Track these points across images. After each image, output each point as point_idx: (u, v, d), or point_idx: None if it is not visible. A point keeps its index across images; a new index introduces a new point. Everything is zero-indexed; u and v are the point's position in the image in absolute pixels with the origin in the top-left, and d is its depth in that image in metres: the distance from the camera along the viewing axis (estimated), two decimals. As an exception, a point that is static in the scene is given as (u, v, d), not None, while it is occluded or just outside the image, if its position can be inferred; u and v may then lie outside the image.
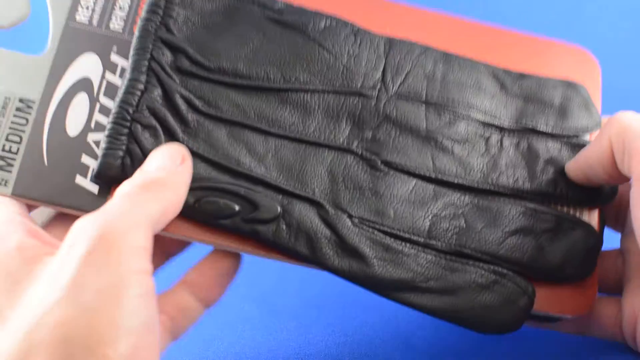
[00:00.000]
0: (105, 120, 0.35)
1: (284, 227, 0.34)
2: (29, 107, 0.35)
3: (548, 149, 0.38)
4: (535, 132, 0.38)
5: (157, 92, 0.35)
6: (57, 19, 0.37)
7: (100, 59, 0.36)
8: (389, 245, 0.35)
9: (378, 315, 0.43)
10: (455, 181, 0.36)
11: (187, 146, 0.34)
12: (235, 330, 0.43)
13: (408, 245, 0.35)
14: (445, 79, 0.38)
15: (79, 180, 0.34)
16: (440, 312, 0.34)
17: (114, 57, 0.36)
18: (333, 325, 0.43)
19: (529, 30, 0.41)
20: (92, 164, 0.34)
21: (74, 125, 0.35)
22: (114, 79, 0.36)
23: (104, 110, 0.35)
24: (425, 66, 0.38)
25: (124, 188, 0.31)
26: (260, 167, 0.35)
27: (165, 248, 0.36)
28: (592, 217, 0.37)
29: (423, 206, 0.36)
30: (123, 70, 0.36)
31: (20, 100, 0.35)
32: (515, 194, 0.37)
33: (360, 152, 0.36)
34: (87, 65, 0.36)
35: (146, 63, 0.35)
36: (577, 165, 0.36)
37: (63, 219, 0.35)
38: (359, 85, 0.37)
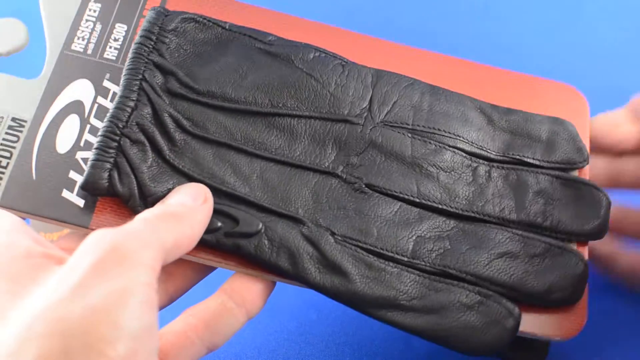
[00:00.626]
0: (95, 140, 0.36)
1: (266, 242, 0.34)
2: (21, 125, 0.36)
3: (539, 181, 0.37)
4: (524, 164, 0.38)
5: (147, 110, 0.36)
6: (54, 47, 0.38)
7: (93, 84, 0.37)
8: (371, 263, 0.34)
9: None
10: (440, 207, 0.36)
11: (173, 163, 0.35)
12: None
13: (391, 263, 0.35)
14: (432, 110, 0.38)
15: (66, 194, 0.35)
16: (423, 331, 0.33)
17: (107, 83, 0.37)
18: (333, 325, 0.43)
19: (518, 68, 0.42)
20: (79, 179, 0.35)
21: (63, 143, 0.36)
22: (105, 102, 0.37)
23: (94, 131, 0.36)
24: (412, 97, 0.39)
25: (143, 214, 0.31)
26: (245, 187, 0.35)
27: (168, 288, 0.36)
28: (582, 250, 0.37)
29: (407, 227, 0.36)
30: (114, 95, 0.37)
31: (13, 119, 0.36)
32: (502, 223, 0.36)
33: (344, 177, 0.36)
34: (80, 90, 0.37)
35: (137, 83, 0.36)
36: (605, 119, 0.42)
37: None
38: (345, 112, 0.38)
